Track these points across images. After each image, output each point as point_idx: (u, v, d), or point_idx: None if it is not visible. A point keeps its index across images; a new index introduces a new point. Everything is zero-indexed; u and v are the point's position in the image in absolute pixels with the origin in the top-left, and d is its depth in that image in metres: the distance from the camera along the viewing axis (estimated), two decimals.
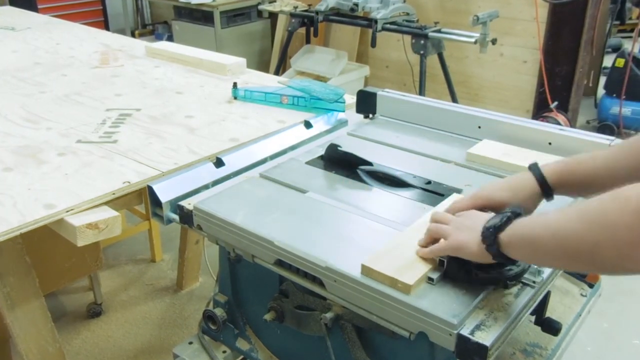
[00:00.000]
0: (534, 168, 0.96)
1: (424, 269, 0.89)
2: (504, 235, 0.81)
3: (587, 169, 0.93)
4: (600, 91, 4.05)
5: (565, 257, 0.74)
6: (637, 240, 0.62)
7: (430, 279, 0.88)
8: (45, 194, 1.21)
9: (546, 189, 0.95)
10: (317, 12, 3.60)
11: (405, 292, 0.86)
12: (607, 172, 0.91)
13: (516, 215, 0.83)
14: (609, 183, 0.84)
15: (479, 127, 1.42)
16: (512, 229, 0.80)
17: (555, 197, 0.97)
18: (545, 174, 0.95)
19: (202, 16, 4.57)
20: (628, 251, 0.63)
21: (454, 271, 0.90)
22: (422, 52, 3.18)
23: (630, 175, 0.85)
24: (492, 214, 0.87)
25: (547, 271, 0.94)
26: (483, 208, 0.95)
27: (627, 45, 4.07)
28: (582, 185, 0.94)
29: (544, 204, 0.98)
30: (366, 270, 0.90)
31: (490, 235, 0.81)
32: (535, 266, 0.92)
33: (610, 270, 0.70)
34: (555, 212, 0.76)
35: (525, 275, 0.92)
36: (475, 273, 0.90)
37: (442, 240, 0.90)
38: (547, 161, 0.99)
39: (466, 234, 0.86)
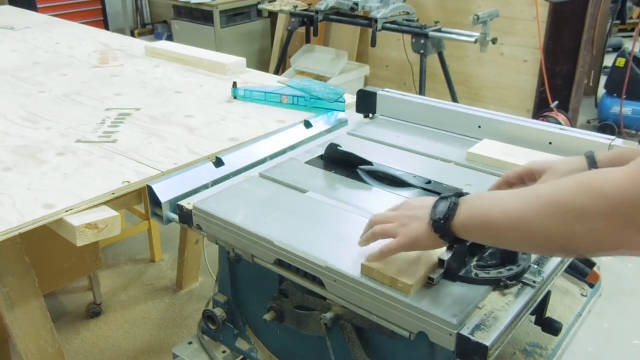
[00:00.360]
0: (589, 154, 0.96)
1: (424, 268, 0.89)
2: (457, 220, 0.79)
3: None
4: (601, 91, 4.04)
5: (531, 245, 0.75)
6: (616, 230, 0.64)
7: (430, 279, 0.88)
8: (45, 194, 1.20)
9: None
10: (317, 12, 3.59)
11: (405, 292, 0.86)
12: None
13: (460, 195, 0.82)
14: None
15: (480, 127, 1.41)
16: (466, 212, 0.79)
17: None
18: (598, 161, 0.94)
19: (202, 16, 4.56)
20: (607, 239, 0.65)
21: (454, 271, 0.89)
22: (422, 51, 3.18)
23: None
24: (434, 199, 0.85)
25: (547, 271, 0.94)
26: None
27: (628, 45, 4.06)
28: None
29: None
30: (366, 270, 0.89)
31: (443, 227, 0.80)
32: (536, 266, 0.92)
33: (584, 255, 0.71)
34: (513, 197, 0.75)
35: (526, 275, 0.91)
36: (475, 273, 0.90)
37: (392, 240, 0.87)
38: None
39: (415, 226, 0.85)
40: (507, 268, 0.90)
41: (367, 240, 0.91)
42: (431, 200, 0.85)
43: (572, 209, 0.67)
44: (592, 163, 0.94)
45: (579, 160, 0.95)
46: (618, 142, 1.24)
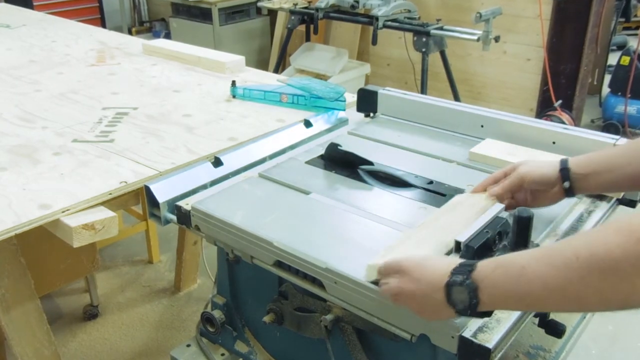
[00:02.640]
0: (563, 159, 0.99)
1: None
2: (482, 305, 0.72)
3: (606, 153, 0.96)
4: (605, 89, 4.01)
5: (583, 309, 0.75)
6: None
7: None
8: (41, 194, 1.19)
9: (564, 168, 0.97)
10: (317, 9, 3.57)
11: None
12: (625, 158, 0.92)
13: (470, 272, 0.73)
14: (628, 169, 0.89)
15: (482, 126, 1.40)
16: (490, 295, 0.71)
17: None
18: (571, 158, 0.98)
19: (200, 13, 4.56)
20: None
21: None
22: (423, 49, 3.16)
23: None
24: (431, 270, 0.77)
25: None
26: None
27: (632, 43, 4.02)
28: (600, 169, 0.95)
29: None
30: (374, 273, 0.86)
31: (472, 314, 0.74)
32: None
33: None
34: (540, 262, 0.68)
35: None
36: None
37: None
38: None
39: (431, 310, 0.77)
40: None
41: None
42: (427, 272, 0.77)
43: (628, 264, 0.60)
44: (564, 160, 0.98)
45: (553, 161, 0.99)
46: (622, 141, 1.22)
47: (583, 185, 0.96)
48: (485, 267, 0.73)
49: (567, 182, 0.96)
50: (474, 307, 0.72)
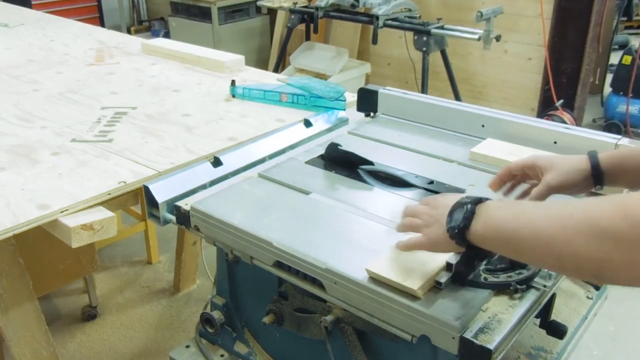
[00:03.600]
0: (592, 153, 0.97)
1: (431, 272, 0.87)
2: (473, 230, 0.77)
3: (634, 152, 0.94)
4: (607, 89, 4.01)
5: (559, 266, 0.72)
6: None
7: (438, 284, 0.86)
8: (39, 194, 1.19)
9: (598, 174, 0.95)
10: (317, 8, 3.57)
11: (415, 296, 0.84)
12: None
13: (477, 202, 0.78)
14: None
15: (483, 126, 1.40)
16: (484, 223, 0.76)
17: None
18: (600, 158, 0.96)
19: (200, 12, 4.56)
20: None
21: (462, 275, 0.87)
22: (424, 49, 3.15)
23: None
24: (457, 199, 0.82)
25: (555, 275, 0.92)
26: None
27: (634, 42, 4.03)
28: (633, 173, 0.94)
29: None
30: (373, 275, 0.87)
31: (457, 235, 0.78)
32: (546, 270, 0.89)
33: (618, 284, 0.67)
34: (541, 212, 0.71)
35: (536, 279, 0.90)
36: (484, 277, 0.88)
37: (418, 234, 0.86)
38: None
39: (435, 229, 0.83)
40: (517, 272, 0.89)
41: (399, 229, 0.91)
42: (449, 199, 0.83)
43: (610, 235, 0.62)
44: (595, 162, 0.96)
45: (581, 159, 0.97)
46: (624, 141, 1.23)
47: (613, 183, 0.96)
48: (492, 202, 0.79)
49: (599, 186, 0.96)
50: (461, 229, 0.77)
